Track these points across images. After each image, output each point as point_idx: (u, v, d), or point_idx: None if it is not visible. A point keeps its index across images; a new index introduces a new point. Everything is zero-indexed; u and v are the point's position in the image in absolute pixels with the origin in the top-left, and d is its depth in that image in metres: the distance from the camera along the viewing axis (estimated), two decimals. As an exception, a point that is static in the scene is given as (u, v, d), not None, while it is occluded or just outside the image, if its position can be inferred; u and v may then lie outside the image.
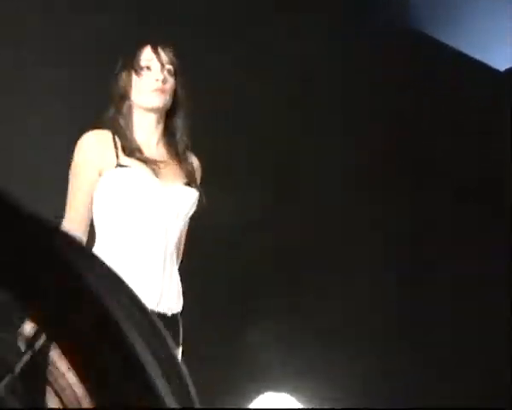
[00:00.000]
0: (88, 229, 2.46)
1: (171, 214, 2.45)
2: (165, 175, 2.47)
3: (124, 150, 2.43)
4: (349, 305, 3.94)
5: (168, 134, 2.54)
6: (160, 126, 2.53)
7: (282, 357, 3.77)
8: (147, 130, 2.51)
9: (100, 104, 2.55)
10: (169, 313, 2.47)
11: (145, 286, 2.39)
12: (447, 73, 4.15)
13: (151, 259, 2.43)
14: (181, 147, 2.53)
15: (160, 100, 2.46)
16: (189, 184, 2.52)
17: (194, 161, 2.61)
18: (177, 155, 2.53)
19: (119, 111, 2.48)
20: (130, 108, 2.49)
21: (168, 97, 2.48)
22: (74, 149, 2.47)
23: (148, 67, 2.46)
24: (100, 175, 2.41)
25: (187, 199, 2.48)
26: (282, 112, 3.82)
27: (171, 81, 2.48)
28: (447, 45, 4.14)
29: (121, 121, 2.48)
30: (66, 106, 3.21)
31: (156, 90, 2.45)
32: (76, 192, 2.43)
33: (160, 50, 2.48)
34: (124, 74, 2.48)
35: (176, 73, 2.50)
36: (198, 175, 2.61)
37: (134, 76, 2.46)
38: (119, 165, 2.41)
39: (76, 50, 3.29)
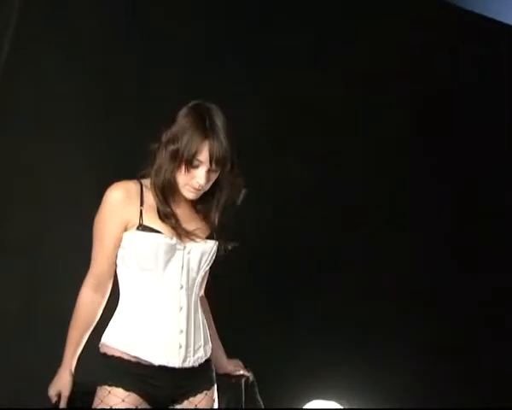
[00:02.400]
0: (111, 281, 2.49)
1: (191, 273, 2.47)
2: (188, 232, 2.45)
3: (158, 212, 2.41)
4: (399, 313, 3.92)
5: (205, 197, 2.48)
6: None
7: (334, 363, 3.78)
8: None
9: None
10: (197, 365, 2.46)
11: (167, 346, 2.41)
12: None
13: (172, 318, 2.43)
14: (215, 213, 2.50)
15: (191, 196, 2.43)
16: (211, 236, 2.50)
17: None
18: (208, 215, 2.50)
19: (160, 171, 2.41)
20: (173, 175, 2.41)
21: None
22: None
23: (196, 166, 2.37)
24: (125, 230, 2.42)
25: (207, 255, 2.49)
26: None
27: (212, 178, 2.41)
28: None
29: (159, 183, 2.42)
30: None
31: (193, 189, 2.40)
32: (98, 246, 2.45)
33: (217, 154, 2.35)
34: (170, 149, 2.37)
35: (224, 167, 2.40)
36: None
37: (178, 161, 2.37)
38: (140, 226, 2.40)
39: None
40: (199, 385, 2.47)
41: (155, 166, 2.40)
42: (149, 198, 2.42)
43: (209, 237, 2.49)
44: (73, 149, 3.33)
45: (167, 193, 2.41)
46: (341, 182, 3.90)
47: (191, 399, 2.46)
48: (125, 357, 2.40)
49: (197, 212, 2.50)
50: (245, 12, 3.70)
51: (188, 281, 2.45)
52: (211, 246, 2.48)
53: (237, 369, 2.72)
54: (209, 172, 2.38)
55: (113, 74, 3.44)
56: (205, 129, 2.34)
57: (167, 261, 2.41)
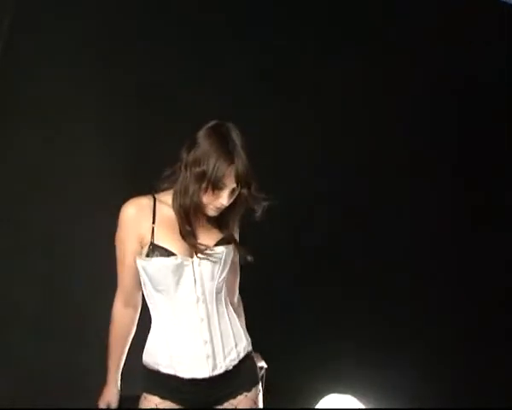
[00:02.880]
0: (140, 294, 2.57)
1: (206, 284, 2.50)
2: (201, 245, 2.48)
3: (180, 231, 2.45)
4: (417, 310, 3.92)
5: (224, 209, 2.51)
6: None
7: (351, 358, 3.78)
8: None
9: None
10: (230, 367, 2.53)
11: (194, 359, 2.47)
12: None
13: (194, 331, 2.48)
14: (233, 223, 2.56)
15: (215, 214, 2.48)
16: (221, 242, 2.52)
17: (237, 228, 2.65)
18: (226, 226, 2.54)
19: (180, 190, 2.47)
20: (197, 196, 2.44)
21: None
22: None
23: (221, 188, 2.41)
24: (141, 245, 2.47)
25: (220, 262, 2.51)
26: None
27: (235, 196, 2.46)
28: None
29: (184, 202, 2.45)
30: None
31: (216, 208, 2.45)
32: (121, 264, 2.51)
33: (241, 178, 2.42)
34: (196, 171, 2.40)
35: (249, 187, 2.44)
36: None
37: (205, 183, 2.40)
38: (151, 244, 2.44)
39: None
40: (238, 387, 2.55)
41: (180, 187, 2.44)
42: (163, 213, 2.48)
43: (218, 244, 2.51)
44: (90, 146, 3.34)
45: (193, 214, 2.45)
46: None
47: (231, 401, 2.53)
48: (161, 371, 2.50)
49: (214, 222, 2.53)
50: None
51: (204, 292, 2.49)
52: (220, 252, 2.50)
53: (258, 361, 2.76)
54: (232, 191, 2.44)
55: (133, 68, 3.44)
56: (229, 153, 2.38)
57: (178, 279, 2.46)
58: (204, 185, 2.38)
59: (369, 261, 3.88)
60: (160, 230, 2.46)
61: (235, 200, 2.47)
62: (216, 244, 2.51)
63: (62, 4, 3.31)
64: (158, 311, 2.50)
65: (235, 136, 2.41)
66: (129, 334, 2.57)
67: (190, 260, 2.47)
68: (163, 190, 2.51)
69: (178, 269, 2.44)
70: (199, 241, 2.48)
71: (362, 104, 3.84)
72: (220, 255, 2.50)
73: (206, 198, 2.42)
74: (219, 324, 2.52)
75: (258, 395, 2.61)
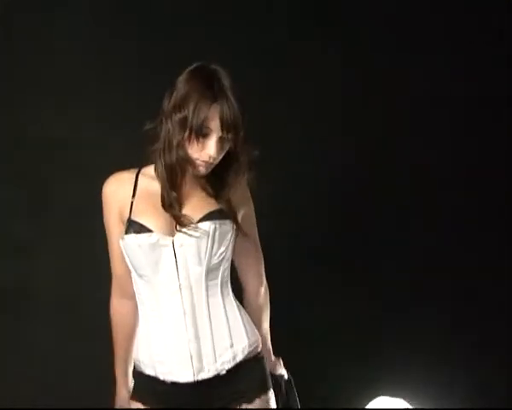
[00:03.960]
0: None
1: (191, 268, 2.11)
2: (186, 208, 2.13)
3: (163, 202, 2.11)
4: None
5: (216, 171, 2.14)
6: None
7: (405, 360, 3.57)
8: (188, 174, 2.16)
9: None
10: (224, 371, 2.12)
11: (175, 359, 2.10)
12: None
13: (176, 326, 2.10)
14: (228, 190, 2.16)
15: (202, 172, 2.10)
16: (216, 214, 2.13)
17: (238, 191, 2.20)
18: (220, 193, 2.16)
19: (167, 150, 2.09)
20: (181, 155, 2.09)
21: (215, 164, 2.11)
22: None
23: (206, 135, 2.04)
24: (123, 223, 2.16)
25: (207, 239, 2.10)
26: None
27: (224, 148, 2.09)
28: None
29: (167, 163, 2.10)
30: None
31: (202, 161, 2.07)
32: (110, 249, 2.22)
33: (227, 119, 2.03)
34: (177, 118, 2.05)
35: (237, 133, 2.07)
36: (240, 196, 2.21)
37: (187, 131, 2.04)
38: (128, 221, 2.11)
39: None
40: (235, 396, 2.15)
41: (164, 143, 2.08)
42: (144, 186, 2.15)
43: (205, 218, 2.10)
44: (117, 119, 3.17)
45: (177, 172, 2.10)
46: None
47: None
48: (144, 372, 2.18)
49: (207, 190, 2.17)
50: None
51: (188, 278, 2.10)
52: (206, 229, 2.09)
53: (278, 368, 2.41)
54: (221, 141, 2.06)
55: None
56: (213, 91, 2.02)
57: (156, 261, 2.09)
58: (187, 134, 2.02)
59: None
60: (139, 204, 2.12)
61: (230, 159, 2.11)
62: (202, 219, 2.10)
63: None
64: (141, 300, 2.17)
65: (223, 76, 2.06)
66: (130, 328, 2.23)
67: (170, 238, 2.08)
68: (149, 165, 2.18)
69: (155, 249, 2.07)
70: (184, 213, 2.10)
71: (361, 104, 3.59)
72: (206, 233, 2.08)
73: (192, 150, 2.05)
74: (210, 318, 2.11)
75: (267, 406, 2.18)
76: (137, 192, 2.14)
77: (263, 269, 2.35)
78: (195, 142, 2.04)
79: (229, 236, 2.14)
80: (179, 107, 2.03)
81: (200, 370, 2.10)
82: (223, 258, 2.15)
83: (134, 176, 2.17)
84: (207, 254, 2.11)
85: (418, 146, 3.63)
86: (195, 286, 2.11)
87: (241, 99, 2.05)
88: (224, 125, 2.02)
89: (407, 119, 3.62)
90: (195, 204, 2.14)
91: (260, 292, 2.34)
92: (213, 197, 2.15)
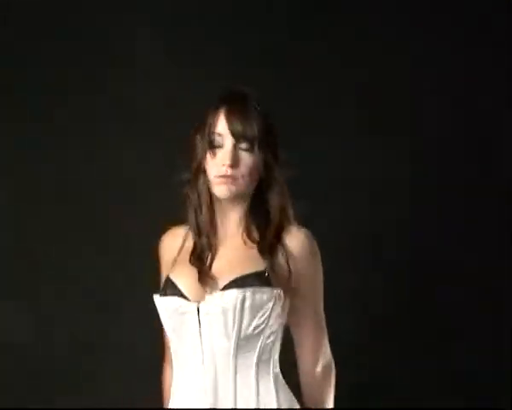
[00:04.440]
0: None
1: (216, 341, 1.80)
2: (221, 268, 1.84)
3: (191, 254, 1.90)
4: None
5: (256, 213, 1.89)
6: (241, 209, 1.89)
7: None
8: (222, 214, 1.91)
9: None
10: None
11: None
12: None
13: (195, 401, 1.83)
14: (272, 228, 1.86)
15: (225, 191, 1.83)
16: (240, 282, 1.78)
17: (293, 240, 1.86)
18: (264, 239, 1.86)
19: (192, 186, 1.90)
20: (205, 184, 1.89)
21: (242, 185, 1.83)
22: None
23: (220, 146, 1.85)
24: None
25: (234, 311, 1.77)
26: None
27: (246, 161, 1.83)
28: None
29: (194, 201, 1.90)
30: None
31: (220, 177, 1.83)
32: None
33: (236, 119, 1.83)
34: (198, 140, 1.88)
35: (262, 143, 1.84)
36: (297, 256, 1.85)
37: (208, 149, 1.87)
38: (166, 279, 1.89)
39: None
40: None
41: (190, 175, 1.91)
42: (189, 241, 1.94)
43: (233, 284, 1.78)
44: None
45: (204, 207, 1.89)
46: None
47: None
48: None
49: (249, 237, 1.88)
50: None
51: (213, 352, 1.79)
52: (231, 299, 1.76)
53: None
54: (236, 149, 1.83)
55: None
56: (220, 98, 1.87)
57: (180, 329, 1.83)
58: (205, 153, 1.85)
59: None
60: (180, 261, 1.90)
61: (270, 185, 1.87)
62: (227, 286, 1.79)
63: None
64: (172, 363, 1.92)
65: (247, 96, 1.89)
66: None
67: (195, 304, 1.80)
68: None
69: (179, 314, 1.82)
70: (215, 271, 1.84)
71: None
72: (232, 303, 1.76)
73: (211, 169, 1.84)
74: (235, 400, 1.80)
75: None
76: (184, 249, 1.94)
77: (323, 346, 1.93)
78: (213, 157, 1.84)
79: (270, 305, 1.79)
80: (200, 128, 1.90)
81: None
82: (260, 331, 1.80)
83: (185, 231, 1.96)
84: (235, 328, 1.78)
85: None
86: (221, 363, 1.80)
87: (266, 115, 1.88)
88: (234, 129, 1.82)
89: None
90: (231, 259, 1.86)
91: (315, 372, 1.93)
92: (257, 247, 1.86)
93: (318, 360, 1.92)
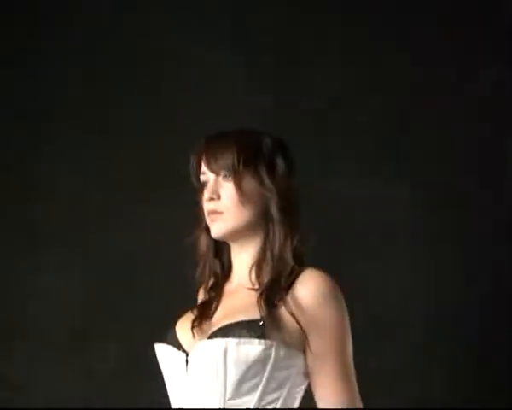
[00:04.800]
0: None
1: (199, 393, 1.57)
2: (218, 315, 1.66)
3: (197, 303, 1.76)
4: None
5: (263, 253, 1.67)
6: (254, 249, 1.68)
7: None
8: (237, 258, 1.72)
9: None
10: None
11: None
12: None
13: None
14: (275, 269, 1.63)
15: (215, 229, 1.66)
16: (240, 325, 1.55)
17: (301, 285, 1.59)
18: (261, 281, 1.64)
19: (198, 237, 1.76)
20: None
21: (230, 219, 1.64)
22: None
23: (205, 182, 1.69)
24: None
25: (213, 361, 1.53)
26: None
27: (228, 191, 1.63)
28: None
29: (200, 252, 1.75)
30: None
31: (209, 216, 1.67)
32: None
33: (213, 150, 1.66)
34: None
35: (248, 167, 1.63)
36: (305, 304, 1.57)
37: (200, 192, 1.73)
38: (172, 328, 1.72)
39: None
40: None
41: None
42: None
43: (216, 334, 1.56)
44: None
45: (206, 250, 1.73)
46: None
47: None
48: None
49: (258, 282, 1.65)
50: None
51: (199, 403, 1.57)
52: (214, 350, 1.53)
53: None
54: (217, 182, 1.65)
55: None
56: (200, 142, 1.72)
57: (169, 378, 1.66)
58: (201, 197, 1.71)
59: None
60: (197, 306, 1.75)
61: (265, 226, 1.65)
62: (212, 334, 1.57)
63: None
64: None
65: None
66: None
67: (183, 354, 1.61)
68: None
69: (169, 363, 1.64)
70: (215, 321, 1.64)
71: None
72: (214, 356, 1.53)
73: (204, 207, 1.70)
74: None
75: None
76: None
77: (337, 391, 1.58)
78: (202, 195, 1.70)
79: (261, 361, 1.53)
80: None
81: None
82: (254, 392, 1.55)
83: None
84: (219, 385, 1.55)
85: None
86: None
87: (255, 137, 1.68)
88: (210, 160, 1.65)
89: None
90: (235, 305, 1.65)
91: None
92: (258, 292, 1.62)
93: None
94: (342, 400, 1.55)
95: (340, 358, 1.57)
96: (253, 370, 1.52)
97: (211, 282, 1.73)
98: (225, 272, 1.74)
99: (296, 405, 1.62)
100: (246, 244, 1.68)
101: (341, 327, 1.58)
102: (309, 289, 1.58)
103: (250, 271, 1.66)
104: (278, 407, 1.56)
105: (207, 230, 1.69)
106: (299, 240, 1.63)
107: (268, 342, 1.52)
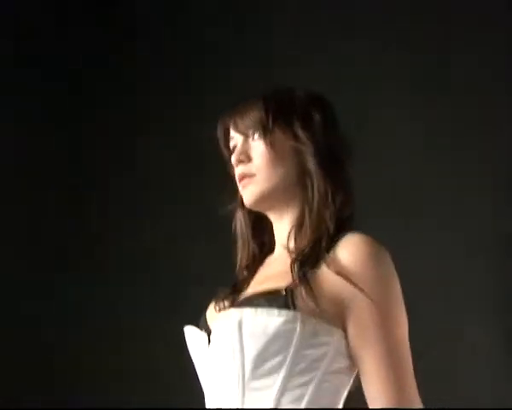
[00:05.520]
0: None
1: (220, 370, 1.38)
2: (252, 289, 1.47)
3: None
4: None
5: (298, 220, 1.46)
6: (293, 216, 1.47)
7: None
8: (277, 231, 1.52)
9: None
10: None
11: None
12: None
13: None
14: (306, 235, 1.42)
15: (248, 193, 1.47)
16: (263, 295, 1.35)
17: (341, 250, 1.34)
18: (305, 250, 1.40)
19: (237, 206, 1.57)
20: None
21: (262, 180, 1.45)
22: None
23: (234, 147, 1.52)
24: None
25: (239, 331, 1.32)
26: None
27: (259, 150, 1.45)
28: None
29: (239, 222, 1.56)
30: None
31: (239, 183, 1.49)
32: None
33: (237, 113, 1.49)
34: None
35: (278, 122, 1.45)
36: (346, 271, 1.32)
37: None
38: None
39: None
40: None
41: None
42: None
43: (237, 304, 1.40)
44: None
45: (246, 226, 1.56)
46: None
47: None
48: None
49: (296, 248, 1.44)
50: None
51: (223, 380, 1.37)
52: (230, 321, 1.34)
53: None
54: (246, 144, 1.48)
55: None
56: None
57: (196, 356, 1.47)
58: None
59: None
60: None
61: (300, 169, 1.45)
62: (234, 304, 1.43)
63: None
64: None
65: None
66: None
67: (205, 333, 1.43)
68: None
69: (193, 345, 1.48)
70: (248, 291, 1.47)
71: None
72: (227, 327, 1.35)
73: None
74: None
75: None
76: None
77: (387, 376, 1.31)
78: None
79: (281, 334, 1.30)
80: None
81: None
82: (278, 373, 1.32)
83: None
84: (238, 365, 1.34)
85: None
86: (233, 392, 1.35)
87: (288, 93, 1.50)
88: (236, 122, 1.49)
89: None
90: (264, 277, 1.48)
91: None
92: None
93: (381, 397, 1.30)
94: (391, 393, 1.29)
95: (389, 338, 1.31)
96: (274, 346, 1.30)
97: (248, 261, 1.54)
98: (266, 252, 1.54)
99: (341, 398, 1.37)
100: (285, 212, 1.48)
101: (390, 298, 1.32)
102: (350, 251, 1.33)
103: (288, 237, 1.44)
104: (309, 392, 1.32)
105: (243, 204, 1.51)
106: (344, 202, 1.42)
107: (291, 313, 1.30)
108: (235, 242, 1.57)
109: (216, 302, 1.47)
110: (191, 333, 1.46)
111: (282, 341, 1.29)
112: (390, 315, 1.32)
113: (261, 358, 1.30)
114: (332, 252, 1.34)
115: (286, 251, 1.42)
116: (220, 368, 1.36)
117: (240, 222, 1.55)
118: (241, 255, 1.54)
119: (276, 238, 1.51)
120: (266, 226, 1.53)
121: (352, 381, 1.38)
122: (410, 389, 1.30)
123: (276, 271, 1.43)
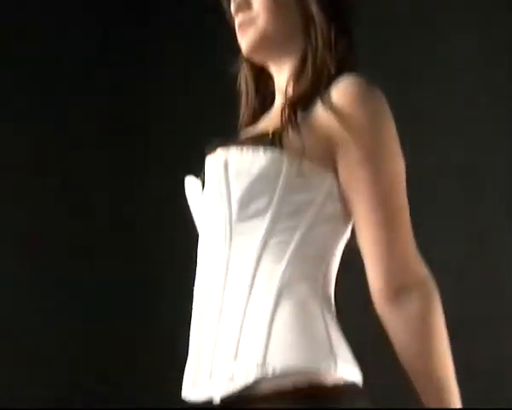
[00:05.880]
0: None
1: (213, 212, 1.34)
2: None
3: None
4: None
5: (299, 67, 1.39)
6: (291, 66, 1.41)
7: None
8: (276, 85, 1.48)
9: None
10: (217, 398, 1.24)
11: (190, 365, 1.33)
12: None
13: (195, 308, 1.36)
14: (303, 78, 1.35)
15: (245, 40, 1.41)
16: (257, 137, 1.32)
17: (334, 91, 1.29)
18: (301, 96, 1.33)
19: (240, 72, 1.55)
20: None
21: (261, 25, 1.38)
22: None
23: None
24: None
25: (225, 173, 1.29)
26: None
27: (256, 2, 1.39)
28: None
29: (242, 79, 1.53)
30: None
31: (239, 28, 1.42)
32: None
33: None
34: None
35: None
36: (337, 111, 1.26)
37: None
38: None
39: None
40: None
41: None
42: None
43: (226, 144, 1.34)
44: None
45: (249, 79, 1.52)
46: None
47: None
48: None
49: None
50: None
51: (211, 229, 1.35)
52: (217, 161, 1.32)
53: None
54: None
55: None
56: None
57: (192, 209, 1.46)
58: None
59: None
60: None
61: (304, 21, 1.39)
62: (226, 144, 1.34)
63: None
64: None
65: None
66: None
67: (199, 180, 1.42)
68: None
69: (191, 188, 1.43)
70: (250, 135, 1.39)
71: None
72: (216, 167, 1.32)
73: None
74: (225, 300, 1.29)
75: None
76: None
77: (394, 257, 1.24)
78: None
79: (266, 174, 1.26)
80: None
81: (193, 384, 1.31)
82: (264, 214, 1.27)
83: None
84: (225, 205, 1.30)
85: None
86: (222, 246, 1.31)
87: None
88: None
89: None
90: (258, 127, 1.44)
91: (384, 301, 1.25)
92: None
93: (384, 280, 1.23)
94: (391, 238, 1.24)
95: (380, 175, 1.25)
96: (259, 185, 1.26)
97: (249, 117, 1.51)
98: (267, 106, 1.49)
99: (335, 247, 1.33)
100: (284, 60, 1.42)
101: (379, 135, 1.27)
102: (341, 90, 1.27)
103: (287, 86, 1.37)
104: (296, 238, 1.27)
105: (246, 61, 1.48)
106: (347, 48, 1.37)
107: (277, 151, 1.26)
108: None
109: (209, 153, 1.40)
110: (189, 183, 1.42)
111: (267, 180, 1.26)
112: (381, 152, 1.26)
113: (247, 198, 1.27)
114: (327, 93, 1.29)
115: (284, 100, 1.35)
116: (210, 212, 1.34)
117: (244, 77, 1.51)
118: (243, 111, 1.52)
119: (276, 90, 1.46)
120: (268, 83, 1.49)
121: (349, 230, 1.35)
122: (407, 234, 1.27)
123: (269, 119, 1.41)
